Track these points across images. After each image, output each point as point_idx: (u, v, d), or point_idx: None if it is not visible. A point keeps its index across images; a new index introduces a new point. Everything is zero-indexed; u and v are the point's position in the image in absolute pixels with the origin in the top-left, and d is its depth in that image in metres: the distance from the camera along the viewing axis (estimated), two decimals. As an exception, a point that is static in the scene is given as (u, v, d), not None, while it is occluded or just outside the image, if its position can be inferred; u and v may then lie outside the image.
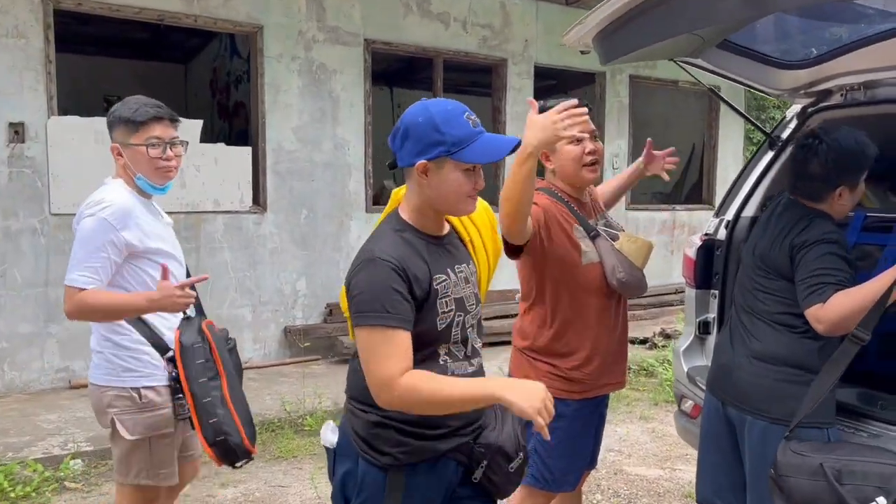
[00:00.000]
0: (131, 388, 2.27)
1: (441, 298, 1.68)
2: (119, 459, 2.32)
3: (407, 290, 1.61)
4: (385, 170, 10.16)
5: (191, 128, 5.39)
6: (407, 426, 1.67)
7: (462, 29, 7.16)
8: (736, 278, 2.52)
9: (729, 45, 2.63)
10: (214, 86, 9.61)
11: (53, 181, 5.19)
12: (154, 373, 2.29)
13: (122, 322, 2.25)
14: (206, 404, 2.17)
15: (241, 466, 2.27)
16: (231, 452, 2.20)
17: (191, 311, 2.32)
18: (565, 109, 1.94)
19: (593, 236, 2.45)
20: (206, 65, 9.75)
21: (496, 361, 5.56)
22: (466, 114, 1.68)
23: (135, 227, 2.24)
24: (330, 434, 1.81)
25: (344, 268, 6.60)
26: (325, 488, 3.81)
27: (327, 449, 1.82)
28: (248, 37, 6.26)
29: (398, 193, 1.86)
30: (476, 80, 9.45)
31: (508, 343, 2.66)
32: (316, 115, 6.37)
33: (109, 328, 2.28)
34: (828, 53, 2.62)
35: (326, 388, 5.33)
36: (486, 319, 5.66)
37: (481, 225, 1.95)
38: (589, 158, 2.43)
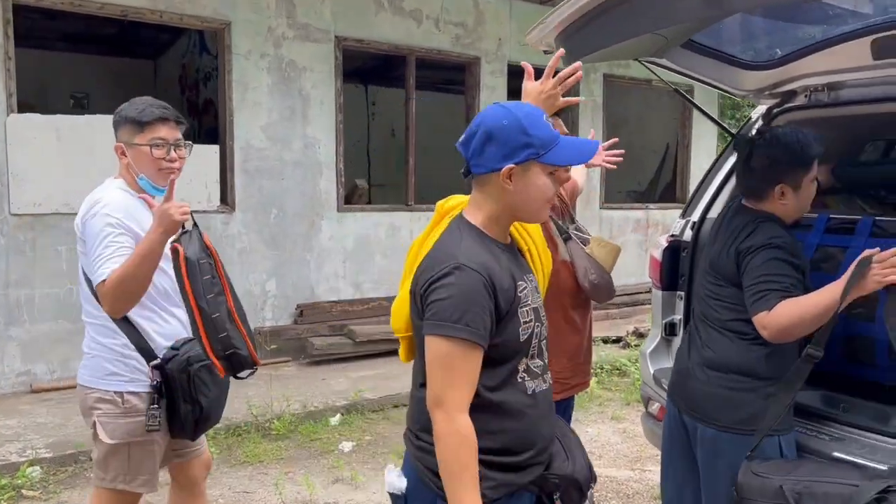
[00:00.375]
0: (114, 392, 2.25)
1: (522, 307, 1.61)
2: (97, 462, 2.31)
3: (493, 304, 1.54)
4: (357, 169, 9.95)
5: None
6: (491, 456, 1.57)
7: (435, 27, 7.11)
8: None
9: (693, 46, 2.62)
10: (184, 83, 9.46)
11: (13, 180, 5.03)
12: (139, 378, 2.26)
13: (112, 325, 2.22)
14: (216, 320, 2.15)
15: (246, 377, 2.27)
16: (238, 365, 2.21)
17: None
18: (555, 75, 1.88)
19: (565, 238, 2.46)
20: (175, 61, 9.60)
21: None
22: (545, 116, 1.63)
23: (134, 224, 2.21)
24: (396, 480, 1.67)
25: (315, 268, 6.52)
26: (290, 495, 3.76)
27: (395, 497, 1.67)
28: (215, 33, 6.16)
29: (443, 206, 1.79)
30: (450, 77, 9.41)
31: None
32: (285, 114, 6.28)
33: (99, 330, 2.26)
34: (792, 54, 2.61)
35: (296, 390, 5.26)
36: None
37: (536, 237, 1.88)
38: None
